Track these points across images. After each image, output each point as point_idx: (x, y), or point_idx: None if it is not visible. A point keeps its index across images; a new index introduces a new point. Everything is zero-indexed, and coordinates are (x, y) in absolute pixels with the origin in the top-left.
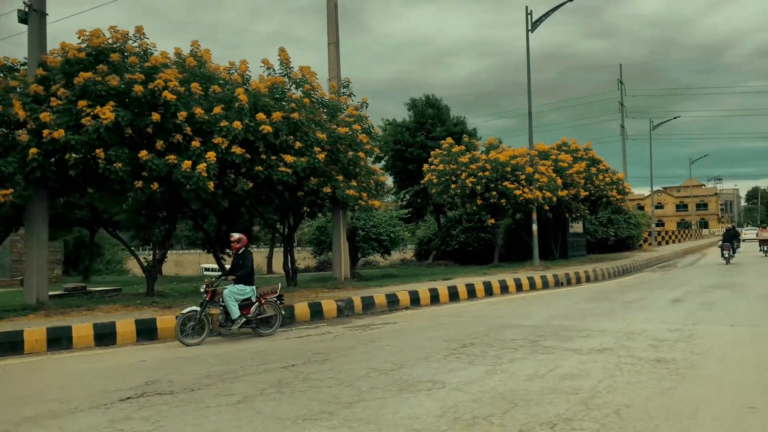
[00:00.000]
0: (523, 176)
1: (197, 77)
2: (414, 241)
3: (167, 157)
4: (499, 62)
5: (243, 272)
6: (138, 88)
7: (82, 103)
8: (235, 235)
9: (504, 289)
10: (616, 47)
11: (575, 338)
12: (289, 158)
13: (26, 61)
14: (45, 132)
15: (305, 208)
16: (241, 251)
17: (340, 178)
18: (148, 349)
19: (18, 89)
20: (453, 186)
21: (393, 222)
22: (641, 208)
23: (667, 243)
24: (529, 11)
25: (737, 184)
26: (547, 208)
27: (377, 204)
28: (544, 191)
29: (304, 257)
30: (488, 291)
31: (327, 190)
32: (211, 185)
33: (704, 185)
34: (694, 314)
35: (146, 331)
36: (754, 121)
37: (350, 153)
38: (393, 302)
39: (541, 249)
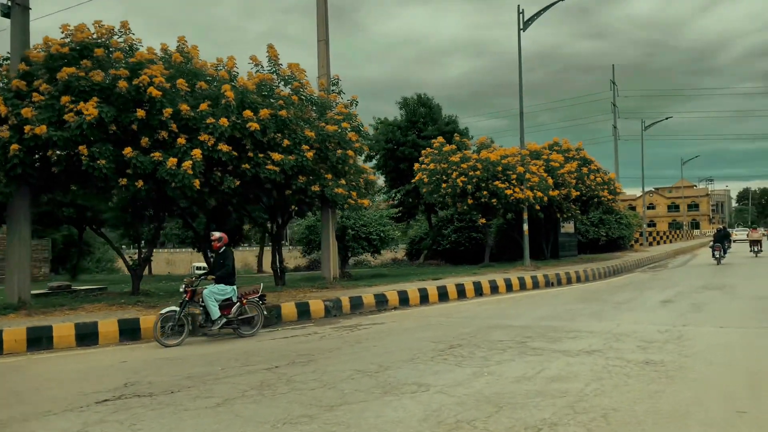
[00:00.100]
0: (514, 176)
1: (183, 73)
2: (406, 241)
3: (152, 155)
4: (493, 62)
5: (223, 272)
6: (122, 84)
7: (65, 99)
8: (216, 234)
9: (494, 289)
10: (609, 48)
11: (564, 339)
12: (276, 156)
13: (8, 56)
14: (27, 128)
15: (293, 207)
16: (221, 250)
17: (329, 176)
18: (130, 350)
19: (0, 84)
20: (444, 185)
21: (383, 221)
22: (633, 208)
23: (658, 243)
24: (521, 10)
25: (728, 185)
26: (538, 207)
27: (366, 203)
28: (535, 191)
29: (295, 256)
30: (478, 291)
31: (315, 188)
32: (196, 183)
33: (696, 186)
34: (684, 315)
35: (129, 331)
36: (746, 122)
37: (339, 151)
38: (382, 302)
39: (533, 249)
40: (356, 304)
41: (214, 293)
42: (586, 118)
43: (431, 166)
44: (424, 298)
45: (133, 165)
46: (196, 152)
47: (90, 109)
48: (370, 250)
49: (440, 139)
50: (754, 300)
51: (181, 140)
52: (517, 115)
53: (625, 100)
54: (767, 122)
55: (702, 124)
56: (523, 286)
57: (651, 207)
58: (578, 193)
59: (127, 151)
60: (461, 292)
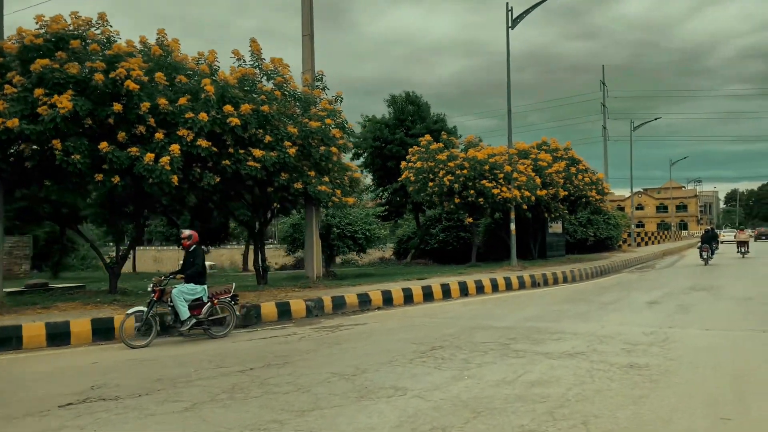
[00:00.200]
0: (501, 175)
1: (163, 67)
2: (394, 240)
3: (129, 150)
4: (484, 62)
5: (193, 270)
6: (99, 77)
7: (38, 92)
8: (186, 232)
9: (479, 289)
10: (600, 49)
11: (547, 341)
12: (258, 153)
13: None
14: None
15: (276, 205)
16: (191, 248)
17: (312, 173)
18: (102, 350)
19: None
20: (431, 184)
21: (369, 220)
22: (622, 209)
23: (646, 244)
24: (509, 8)
25: (716, 186)
26: (525, 207)
27: (351, 201)
28: (522, 190)
29: (281, 255)
30: (463, 291)
31: (298, 186)
32: (174, 179)
33: (684, 187)
34: (670, 317)
35: (103, 331)
36: (735, 124)
37: (322, 148)
38: (365, 302)
39: (520, 249)
40: (339, 304)
41: (183, 293)
42: (576, 118)
43: (418, 164)
44: (408, 298)
45: (110, 160)
46: (175, 147)
47: (64, 102)
48: (355, 249)
49: (427, 137)
50: (740, 301)
51: (159, 135)
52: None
53: (615, 100)
54: (756, 124)
55: (691, 125)
56: (509, 286)
57: (639, 208)
58: (566, 192)
59: (103, 145)
60: (446, 293)
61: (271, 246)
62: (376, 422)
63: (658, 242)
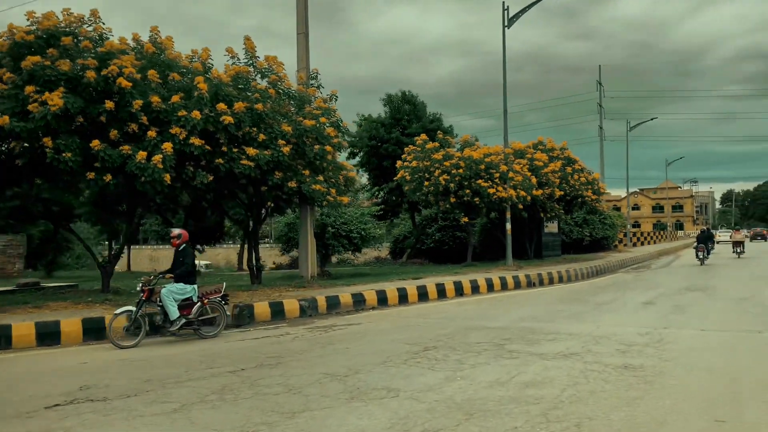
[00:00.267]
0: (497, 174)
1: (156, 65)
2: (390, 240)
3: (121, 148)
4: (481, 62)
5: (183, 270)
6: (90, 74)
7: (29, 89)
8: (175, 231)
9: (475, 289)
10: (597, 49)
11: (542, 342)
12: (251, 151)
13: None
14: None
15: (270, 204)
16: (181, 248)
17: (307, 172)
18: (92, 350)
19: None
20: (426, 183)
21: (364, 219)
22: (618, 209)
23: (642, 244)
24: (506, 6)
25: (712, 187)
26: (521, 207)
27: (346, 200)
28: (518, 190)
29: (276, 254)
30: (459, 291)
31: (292, 185)
32: (167, 178)
33: (680, 187)
34: (665, 317)
35: (94, 331)
36: (731, 124)
37: (317, 147)
38: (359, 302)
39: (516, 249)
40: (333, 304)
41: (172, 292)
42: (573, 118)
43: (414, 163)
44: (403, 298)
45: (101, 158)
46: (167, 146)
47: (55, 99)
48: (350, 249)
49: (423, 136)
50: (735, 302)
51: (152, 133)
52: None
53: (611, 101)
54: (752, 124)
55: (688, 125)
56: (504, 286)
57: (636, 208)
58: (562, 192)
59: (95, 143)
60: (441, 292)
61: (267, 245)
62: (367, 424)
63: (654, 242)
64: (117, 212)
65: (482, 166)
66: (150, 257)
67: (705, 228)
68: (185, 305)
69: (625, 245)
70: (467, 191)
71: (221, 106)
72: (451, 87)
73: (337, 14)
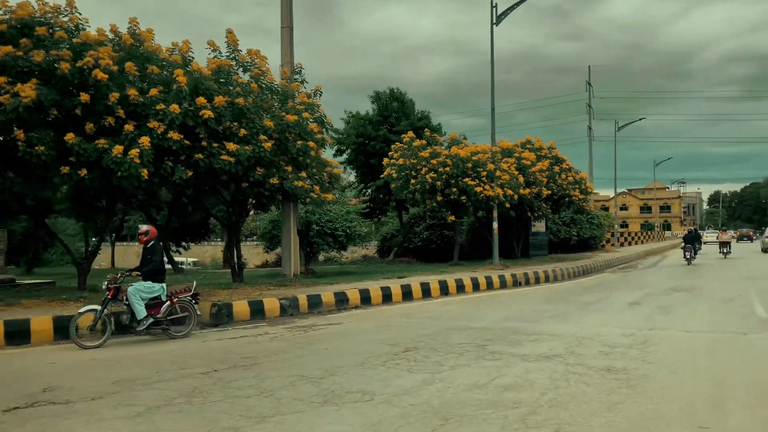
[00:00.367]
0: (484, 173)
1: (134, 57)
2: (378, 238)
3: (97, 142)
4: (472, 61)
5: (150, 267)
6: (65, 66)
7: (1, 80)
8: (143, 227)
9: (460, 288)
10: (587, 50)
11: (524, 343)
12: (232, 146)
13: None
14: None
15: (251, 200)
16: (149, 244)
17: (289, 169)
18: (62, 350)
19: None
20: (413, 181)
21: (350, 217)
22: (606, 209)
23: (630, 244)
24: (494, 4)
25: (700, 188)
26: (508, 206)
27: (330, 197)
28: (505, 189)
29: (262, 252)
30: (444, 290)
31: (274, 181)
32: (144, 173)
33: (668, 188)
34: (651, 318)
35: (65, 329)
36: (719, 126)
37: (300, 142)
38: (342, 301)
39: (504, 248)
40: (315, 303)
41: (139, 291)
42: (563, 119)
43: (400, 161)
44: (387, 297)
45: (76, 152)
46: (144, 140)
47: (27, 91)
48: (335, 247)
49: (410, 134)
50: (721, 302)
51: (129, 127)
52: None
53: (601, 101)
54: (741, 126)
55: (676, 127)
56: (490, 285)
57: (624, 208)
58: (549, 192)
59: (69, 137)
60: (426, 292)
61: (253, 243)
62: (338, 430)
63: (642, 242)
64: (96, 208)
65: (469, 165)
66: (137, 254)
67: (692, 228)
68: (153, 304)
69: (612, 245)
70: (454, 189)
71: (201, 100)
72: (442, 86)
73: (327, 12)
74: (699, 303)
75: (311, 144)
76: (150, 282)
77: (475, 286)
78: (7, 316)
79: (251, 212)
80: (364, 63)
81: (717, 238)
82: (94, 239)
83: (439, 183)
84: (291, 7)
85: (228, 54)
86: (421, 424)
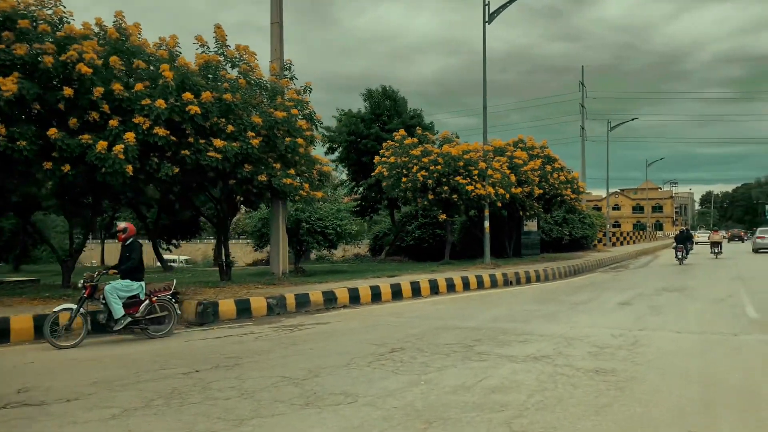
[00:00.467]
0: (476, 171)
1: (120, 51)
2: (370, 236)
3: (81, 137)
4: (466, 61)
5: (128, 265)
6: (48, 60)
7: None
8: (121, 224)
9: (450, 287)
10: (581, 50)
11: (513, 343)
12: (219, 143)
13: None
14: None
15: (239, 198)
16: (128, 242)
17: (278, 166)
18: (42, 349)
19: None
20: (404, 179)
21: (340, 215)
22: (598, 209)
23: (621, 244)
24: (486, 2)
25: (692, 188)
26: (500, 205)
27: (320, 195)
28: (497, 188)
29: (252, 250)
30: (434, 289)
31: (262, 178)
32: (129, 169)
33: (660, 188)
34: (641, 319)
35: None
36: (711, 127)
37: (288, 139)
38: (330, 300)
39: (495, 247)
40: (302, 302)
41: (117, 289)
42: (556, 118)
43: (392, 159)
44: (376, 297)
45: (59, 148)
46: (129, 136)
47: (8, 84)
48: (325, 245)
49: (402, 132)
50: (712, 303)
51: (114, 122)
52: (489, 113)
53: (594, 102)
54: (733, 127)
55: (668, 127)
56: (480, 284)
57: (616, 208)
58: (541, 191)
59: (52, 132)
60: (416, 291)
61: (244, 241)
62: None
63: (634, 242)
64: (82, 204)
65: (461, 163)
66: None
67: (684, 228)
68: (132, 303)
69: (604, 245)
70: (445, 188)
71: (187, 95)
72: (435, 85)
73: (320, 10)
74: (690, 303)
75: (300, 141)
76: (128, 280)
77: (466, 286)
78: None
79: (242, 210)
80: (358, 61)
81: (708, 238)
82: (80, 237)
83: (430, 181)
84: (281, 2)
85: (216, 49)
86: (403, 428)
